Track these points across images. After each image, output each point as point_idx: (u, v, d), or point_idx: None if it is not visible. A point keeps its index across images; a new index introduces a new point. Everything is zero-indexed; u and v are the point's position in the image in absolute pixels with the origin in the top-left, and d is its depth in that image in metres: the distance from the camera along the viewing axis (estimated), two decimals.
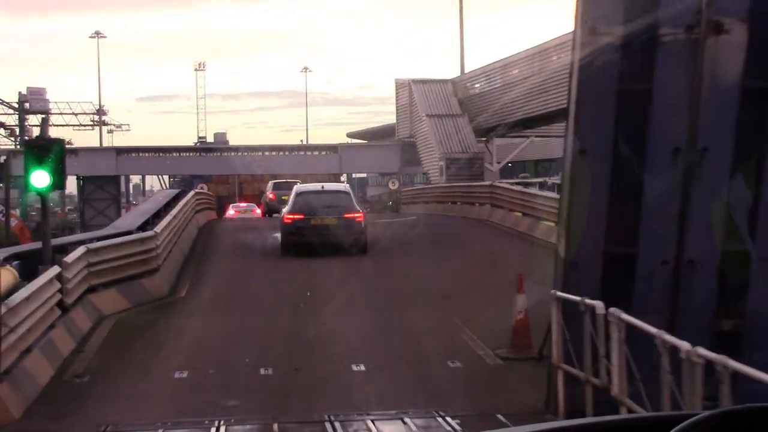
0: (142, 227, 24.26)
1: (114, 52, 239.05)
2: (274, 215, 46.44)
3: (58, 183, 18.17)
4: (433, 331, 18.45)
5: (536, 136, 65.01)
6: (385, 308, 20.71)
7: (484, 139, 60.93)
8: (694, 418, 2.90)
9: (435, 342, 17.50)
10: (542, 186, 36.86)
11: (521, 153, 69.10)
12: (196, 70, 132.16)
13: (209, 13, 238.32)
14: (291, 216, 28.67)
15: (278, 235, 32.00)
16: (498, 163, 62.34)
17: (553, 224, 31.13)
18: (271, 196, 50.59)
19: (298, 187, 31.03)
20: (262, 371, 15.49)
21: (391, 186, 57.38)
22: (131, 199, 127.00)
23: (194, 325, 19.52)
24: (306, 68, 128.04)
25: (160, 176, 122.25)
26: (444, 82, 63.31)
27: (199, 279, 24.99)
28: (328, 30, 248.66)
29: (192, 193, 36.82)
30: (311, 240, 27.89)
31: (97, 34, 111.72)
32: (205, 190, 55.17)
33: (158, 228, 23.68)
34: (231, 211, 59.74)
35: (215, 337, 18.49)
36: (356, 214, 28.93)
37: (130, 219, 26.07)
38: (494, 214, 36.92)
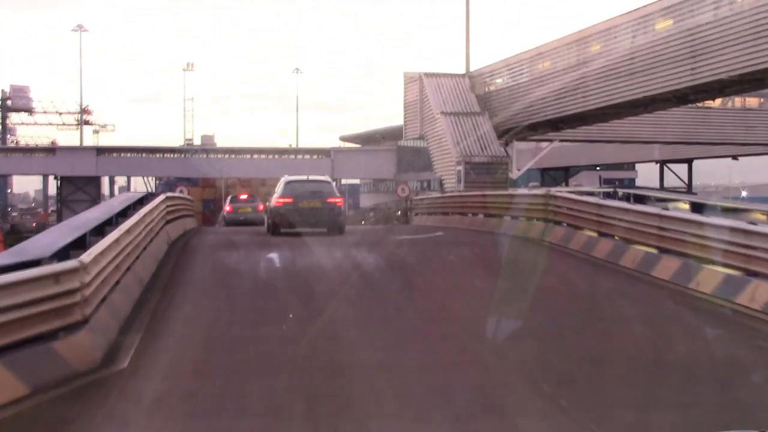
0: (66, 252, 14.78)
1: (103, 53, 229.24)
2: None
3: None
4: None
5: (561, 140, 55.88)
6: (475, 410, 11.36)
7: (502, 141, 51.73)
8: None
9: None
10: (612, 196, 27.62)
11: (542, 159, 59.85)
12: (184, 70, 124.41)
13: (200, 17, 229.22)
14: (282, 200, 31.80)
15: (273, 255, 23.76)
16: (518, 170, 53.13)
17: (652, 250, 21.93)
18: (228, 209, 50.87)
19: (286, 177, 33.48)
20: None
21: (400, 193, 47.89)
22: None
23: None
24: (297, 69, 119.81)
25: (145, 178, 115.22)
26: (460, 76, 53.94)
27: (157, 331, 15.57)
28: (319, 34, 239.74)
29: (161, 197, 27.43)
30: (299, 219, 31.23)
31: (80, 28, 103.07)
32: (185, 194, 45.92)
33: (89, 255, 14.23)
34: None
35: None
36: (337, 200, 32.28)
37: (50, 237, 16.57)
38: (552, 233, 27.68)
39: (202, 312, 17.43)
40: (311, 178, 33.88)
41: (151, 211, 23.69)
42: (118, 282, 16.97)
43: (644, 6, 39.91)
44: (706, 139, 60.76)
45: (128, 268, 18.50)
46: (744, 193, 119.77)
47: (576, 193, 28.62)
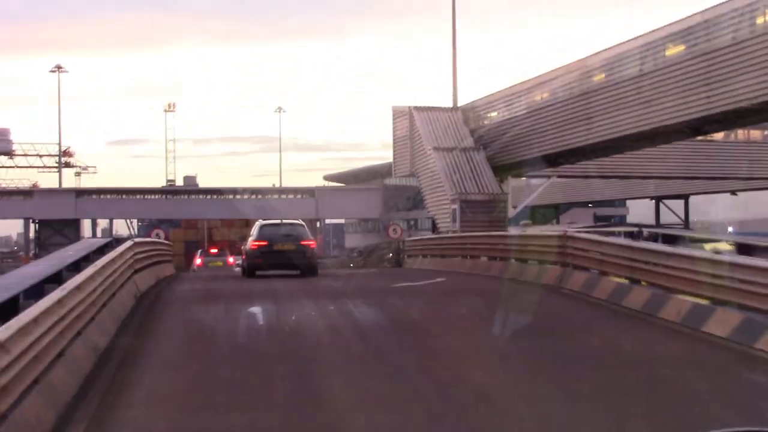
0: None
1: (85, 95, 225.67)
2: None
3: None
4: None
5: (558, 176, 52.36)
6: None
7: (497, 178, 48.16)
8: None
9: None
10: (636, 236, 24.09)
11: (539, 196, 56.28)
12: (165, 111, 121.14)
13: (182, 59, 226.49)
14: (257, 243, 32.26)
15: (255, 310, 20.30)
16: (514, 207, 49.58)
17: (702, 301, 18.34)
18: (198, 263, 51.47)
19: (261, 221, 34.04)
20: None
21: (391, 234, 44.16)
22: None
23: None
24: (280, 108, 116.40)
25: (128, 221, 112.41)
26: (452, 109, 50.41)
27: (106, 422, 11.84)
28: (299, 75, 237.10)
29: (128, 243, 23.73)
30: (274, 262, 32.06)
31: (58, 69, 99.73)
32: (161, 238, 42.35)
33: (7, 329, 10.49)
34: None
35: None
36: (310, 242, 32.64)
37: None
38: (571, 279, 24.08)
39: (166, 391, 13.69)
40: (285, 221, 34.72)
41: (112, 261, 19.97)
42: (61, 353, 13.29)
43: (654, 30, 36.50)
44: (707, 173, 57.56)
45: (78, 333, 14.82)
46: (730, 229, 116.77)
47: (597, 233, 25.06)
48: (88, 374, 14.15)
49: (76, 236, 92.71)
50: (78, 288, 15.31)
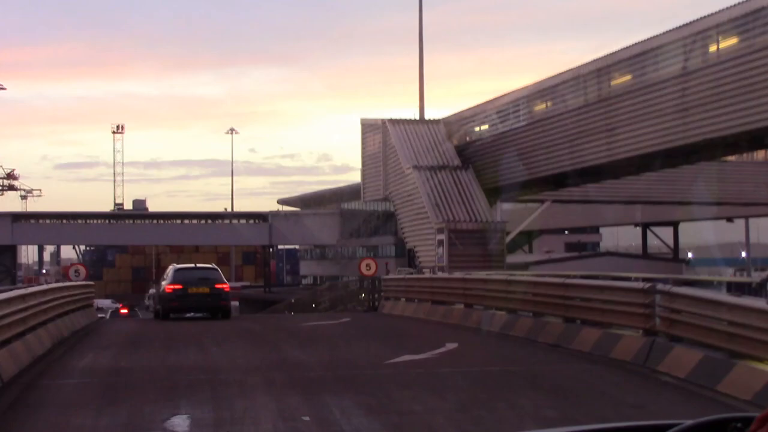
0: None
1: (33, 119, 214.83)
2: None
3: None
4: None
5: (553, 201, 43.73)
6: None
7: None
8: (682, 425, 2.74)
9: None
10: (759, 290, 15.44)
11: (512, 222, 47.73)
12: (113, 132, 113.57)
13: (132, 82, 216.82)
14: (172, 286, 31.93)
15: (179, 421, 11.08)
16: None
17: None
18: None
19: (175, 265, 34.21)
20: None
21: (364, 271, 35.09)
22: (44, 269, 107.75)
23: None
24: (232, 129, 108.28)
25: (76, 247, 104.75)
26: (433, 122, 41.51)
27: None
28: (252, 100, 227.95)
29: None
30: (188, 305, 32.05)
31: None
32: (81, 277, 33.66)
33: None
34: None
35: None
36: (224, 286, 32.41)
37: None
38: (667, 357, 15.28)
39: None
40: (199, 266, 35.03)
41: None
42: None
43: (699, 19, 27.89)
44: (705, 198, 49.34)
45: None
46: (690, 255, 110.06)
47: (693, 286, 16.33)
48: None
49: (13, 263, 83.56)
50: None
